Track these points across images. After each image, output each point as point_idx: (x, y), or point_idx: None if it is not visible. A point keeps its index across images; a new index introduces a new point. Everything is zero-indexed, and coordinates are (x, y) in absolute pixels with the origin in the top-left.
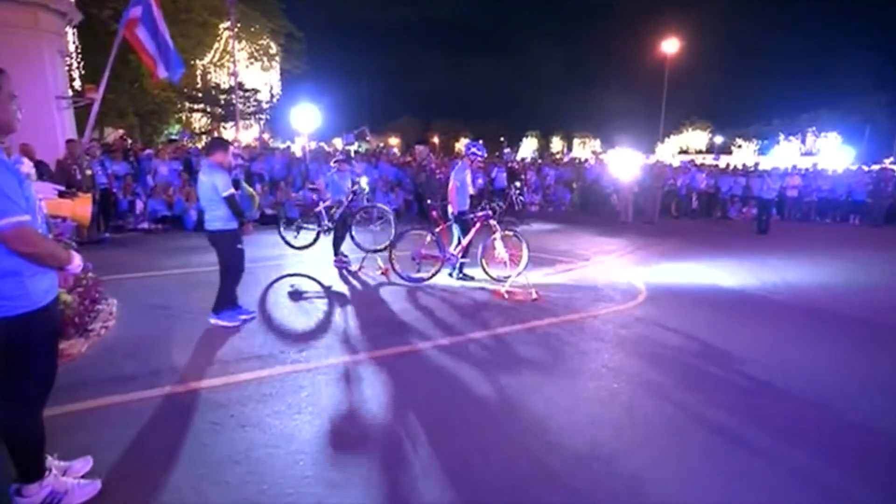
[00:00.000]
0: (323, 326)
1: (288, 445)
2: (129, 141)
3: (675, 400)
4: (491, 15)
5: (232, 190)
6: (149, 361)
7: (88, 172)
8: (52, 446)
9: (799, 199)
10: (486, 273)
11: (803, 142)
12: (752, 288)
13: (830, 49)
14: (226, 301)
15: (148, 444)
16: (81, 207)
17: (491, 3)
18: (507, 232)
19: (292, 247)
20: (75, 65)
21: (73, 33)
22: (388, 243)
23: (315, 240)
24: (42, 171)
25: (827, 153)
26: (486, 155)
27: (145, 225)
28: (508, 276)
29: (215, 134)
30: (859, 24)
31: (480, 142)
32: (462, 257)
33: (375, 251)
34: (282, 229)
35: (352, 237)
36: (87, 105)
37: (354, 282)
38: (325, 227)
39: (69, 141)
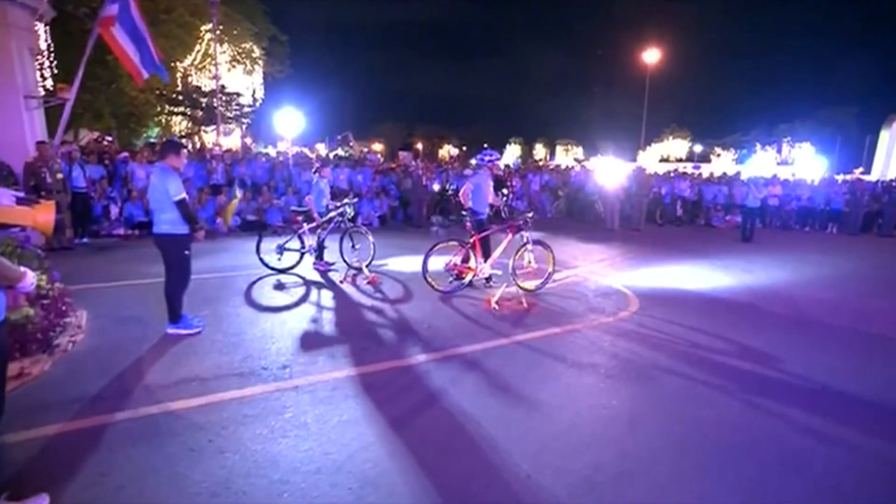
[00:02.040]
0: (306, 341)
1: (271, 474)
2: (106, 143)
3: (675, 414)
4: (475, 22)
5: (184, 195)
6: (120, 379)
7: (60, 176)
8: (3, 482)
9: (780, 207)
10: (518, 285)
11: (779, 151)
12: (742, 296)
13: (804, 62)
14: (178, 308)
15: (116, 475)
16: (43, 215)
17: (475, 10)
18: (537, 242)
19: (273, 269)
20: (47, 63)
21: (45, 30)
22: (369, 260)
23: (298, 262)
24: (3, 173)
25: (801, 163)
26: (498, 158)
27: (121, 231)
28: (537, 286)
29: (196, 138)
30: (830, 39)
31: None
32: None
33: (357, 268)
34: (260, 251)
35: (341, 253)
36: (60, 105)
37: (339, 293)
38: (309, 249)
39: (39, 142)
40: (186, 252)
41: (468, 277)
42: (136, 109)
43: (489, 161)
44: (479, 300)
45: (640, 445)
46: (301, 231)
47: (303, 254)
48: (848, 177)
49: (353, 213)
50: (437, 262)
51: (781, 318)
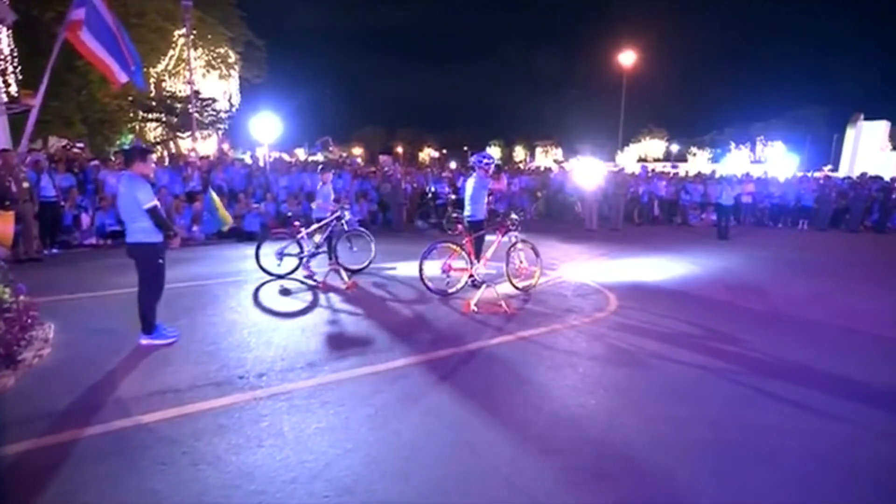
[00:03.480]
0: (284, 348)
1: (247, 485)
2: (76, 150)
3: (653, 412)
4: (454, 26)
5: (155, 201)
6: (89, 394)
7: (26, 185)
8: None
9: (753, 205)
10: (513, 284)
11: (753, 150)
12: (720, 293)
13: (776, 64)
14: (152, 318)
15: (85, 493)
16: (1, 225)
17: (454, 14)
18: (523, 241)
19: (272, 274)
20: (10, 69)
21: (9, 35)
22: (367, 263)
23: (297, 266)
24: None
25: (774, 161)
26: (493, 160)
27: (93, 240)
28: (529, 285)
29: (171, 145)
30: (800, 42)
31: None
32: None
33: (355, 271)
34: (260, 258)
35: (336, 255)
36: (25, 112)
37: (317, 298)
38: (309, 255)
39: (3, 151)
40: (160, 261)
41: (463, 279)
42: (109, 116)
43: (485, 164)
44: (458, 304)
45: (618, 445)
46: (300, 236)
47: (301, 258)
48: (818, 174)
49: (349, 217)
50: (434, 265)
51: (758, 314)
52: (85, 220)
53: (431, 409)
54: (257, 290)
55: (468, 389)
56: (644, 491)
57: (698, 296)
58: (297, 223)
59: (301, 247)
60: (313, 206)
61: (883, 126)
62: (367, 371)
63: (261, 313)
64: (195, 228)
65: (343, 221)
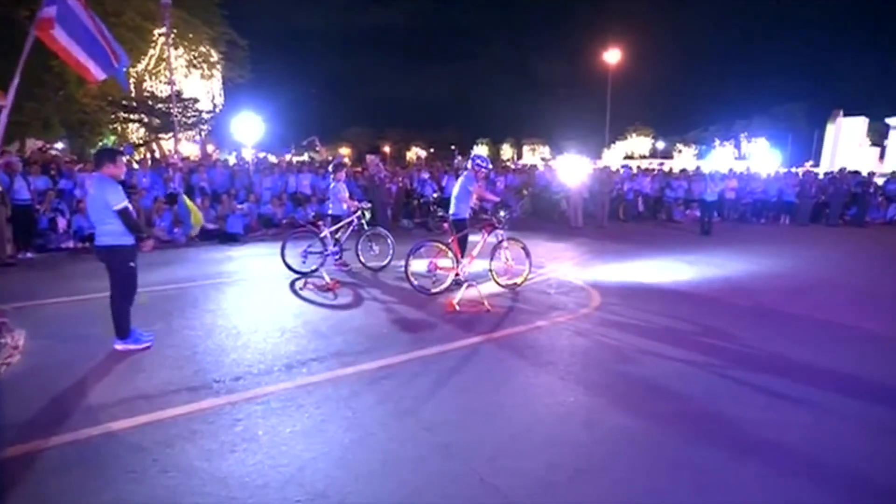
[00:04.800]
0: (263, 351)
1: (217, 491)
2: (55, 152)
3: (633, 409)
4: (441, 24)
5: (125, 203)
6: (58, 402)
7: None
8: None
9: (736, 200)
10: (497, 282)
11: (737, 146)
12: (703, 289)
13: (759, 61)
14: (125, 323)
15: None
16: None
17: (441, 13)
18: (511, 240)
19: (297, 272)
20: None
21: None
22: (386, 262)
23: (322, 264)
24: None
25: (757, 157)
26: (490, 166)
27: (70, 244)
28: (515, 283)
29: (154, 146)
30: (781, 39)
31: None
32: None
33: (375, 270)
34: (285, 257)
35: (341, 254)
36: None
37: (299, 301)
38: (333, 252)
39: None
40: (132, 264)
41: (449, 278)
42: (88, 117)
43: (478, 165)
44: (441, 303)
45: (597, 442)
46: (322, 235)
47: (325, 256)
48: (800, 170)
49: (369, 217)
50: (420, 264)
51: (741, 309)
52: (61, 223)
53: (409, 410)
54: (238, 292)
55: (447, 390)
56: (623, 489)
57: (681, 291)
58: (320, 222)
59: (325, 245)
60: (330, 206)
61: (861, 122)
62: (345, 372)
63: (240, 316)
64: (176, 230)
65: (364, 221)
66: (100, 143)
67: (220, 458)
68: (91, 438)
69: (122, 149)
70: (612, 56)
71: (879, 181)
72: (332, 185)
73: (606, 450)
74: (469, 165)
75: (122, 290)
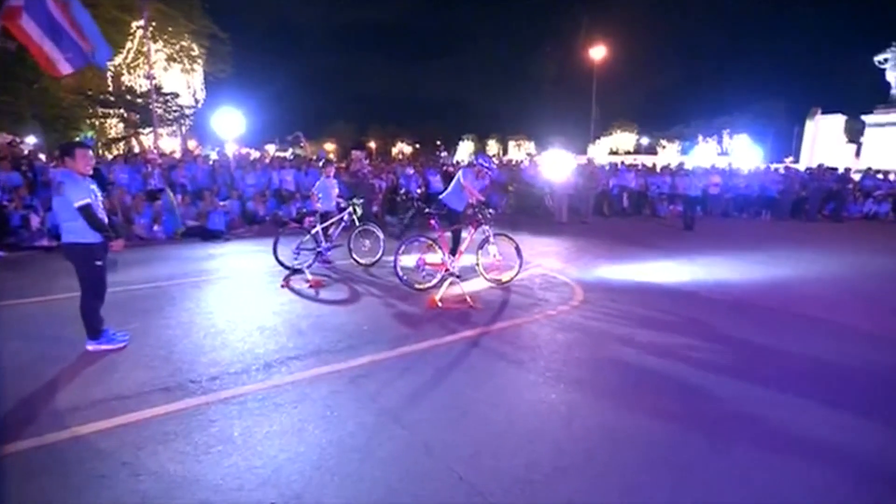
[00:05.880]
0: (241, 350)
1: (189, 495)
2: (30, 149)
3: (613, 406)
4: (426, 18)
5: (87, 200)
6: (23, 406)
7: None
8: None
9: (719, 195)
10: (485, 277)
11: (719, 142)
12: (684, 283)
13: (740, 58)
14: (97, 323)
15: None
16: None
17: (427, 8)
18: (503, 237)
19: (289, 269)
20: None
21: None
22: (377, 258)
23: (315, 260)
24: None
25: (739, 153)
26: (494, 168)
27: (44, 241)
28: (500, 279)
29: (133, 142)
30: (762, 37)
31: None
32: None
33: (366, 265)
34: (277, 253)
35: (350, 251)
36: None
37: (280, 298)
38: (325, 248)
39: None
40: (98, 262)
41: (438, 274)
42: (65, 112)
43: (480, 164)
44: (423, 299)
45: (576, 440)
46: (314, 231)
47: (318, 252)
48: (780, 166)
49: (361, 213)
50: (410, 259)
51: (720, 303)
52: (34, 220)
53: (387, 408)
54: (218, 290)
55: (426, 387)
56: (601, 486)
57: (664, 287)
58: (311, 217)
59: (317, 241)
60: (318, 203)
61: (839, 120)
62: (324, 371)
63: (220, 314)
64: (156, 228)
65: (356, 217)
66: (77, 139)
67: (194, 460)
68: (58, 443)
69: (83, 141)
70: (597, 52)
71: (856, 177)
72: (321, 182)
73: (585, 447)
74: (475, 161)
75: (90, 289)
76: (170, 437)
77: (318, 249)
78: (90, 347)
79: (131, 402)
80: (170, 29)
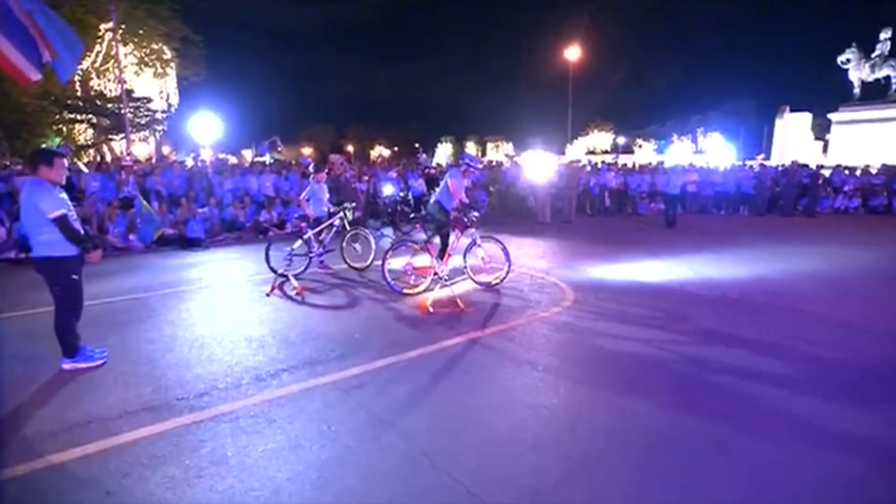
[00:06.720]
0: (229, 363)
1: None
2: None
3: (613, 407)
4: (403, 20)
5: (62, 211)
6: None
7: None
8: None
9: (698, 193)
10: (473, 280)
11: (694, 141)
12: (671, 281)
13: (712, 59)
14: (73, 340)
15: None
16: None
17: (402, 9)
18: (490, 238)
19: (281, 276)
20: None
21: None
22: (369, 262)
23: (307, 266)
24: None
25: (713, 150)
26: (480, 167)
27: (11, 254)
28: (490, 281)
29: (104, 147)
30: (732, 38)
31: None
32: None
33: (360, 269)
34: (269, 259)
35: (342, 255)
36: None
37: (267, 307)
38: (317, 253)
39: None
40: (75, 277)
41: (428, 278)
42: (29, 117)
43: (467, 164)
44: (414, 304)
45: (581, 444)
46: (306, 236)
47: (310, 258)
48: (753, 163)
49: (351, 217)
50: (398, 262)
51: (707, 299)
52: (1, 232)
53: (385, 419)
54: (200, 301)
55: (424, 395)
56: (611, 490)
57: (651, 284)
58: (303, 224)
59: (309, 247)
60: (308, 208)
61: (806, 118)
62: (317, 382)
63: (203, 326)
64: (132, 237)
65: (346, 222)
66: (43, 145)
67: (185, 485)
68: (32, 473)
69: (60, 149)
70: (573, 53)
71: (826, 173)
72: (310, 187)
73: (591, 451)
74: (461, 162)
75: (64, 305)
76: (158, 461)
77: (311, 255)
78: (66, 366)
79: (113, 424)
80: (140, 32)
